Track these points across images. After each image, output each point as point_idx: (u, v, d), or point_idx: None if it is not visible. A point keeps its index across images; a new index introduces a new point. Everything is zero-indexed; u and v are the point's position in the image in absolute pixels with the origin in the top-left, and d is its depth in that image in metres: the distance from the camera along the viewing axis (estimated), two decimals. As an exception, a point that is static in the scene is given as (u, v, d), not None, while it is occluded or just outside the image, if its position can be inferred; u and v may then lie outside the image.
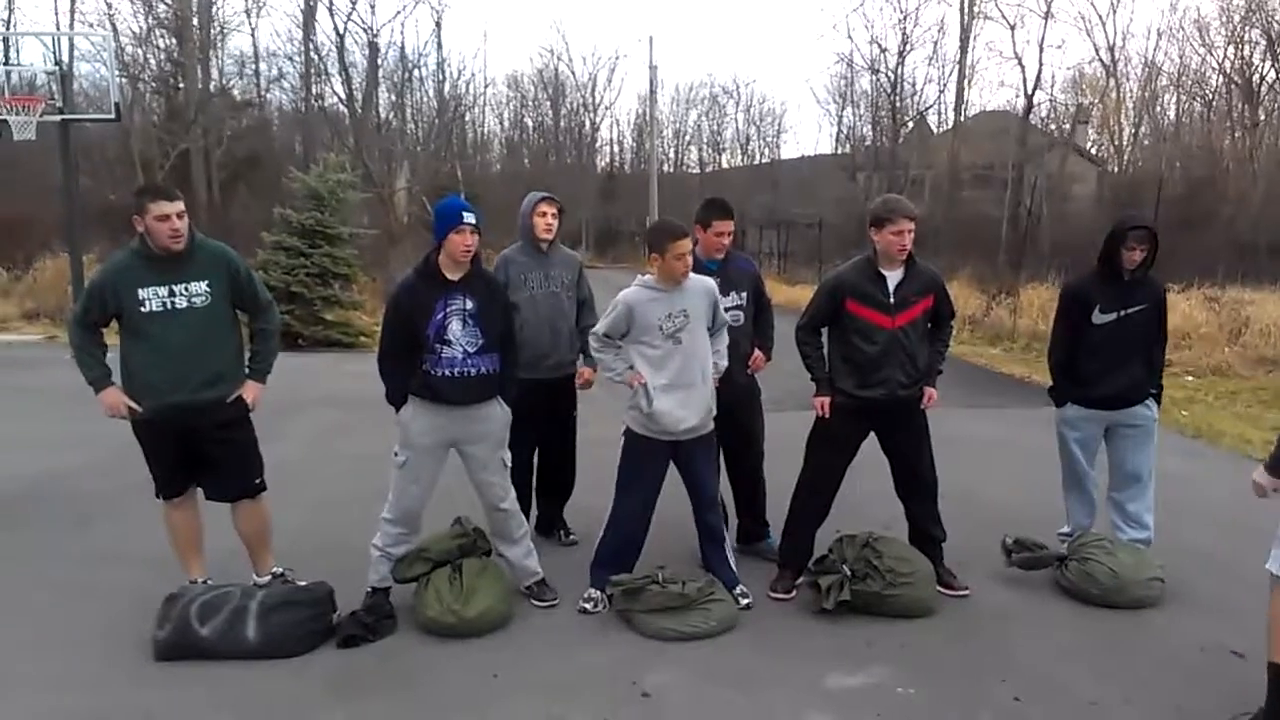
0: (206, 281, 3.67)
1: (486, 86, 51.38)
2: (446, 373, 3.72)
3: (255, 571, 4.07)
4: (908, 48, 30.45)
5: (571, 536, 4.83)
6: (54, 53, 15.78)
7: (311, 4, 26.66)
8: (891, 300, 4.02)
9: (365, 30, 27.12)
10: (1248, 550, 3.18)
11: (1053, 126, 30.82)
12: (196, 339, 3.66)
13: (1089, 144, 33.92)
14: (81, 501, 5.46)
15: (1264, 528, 3.13)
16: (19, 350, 12.14)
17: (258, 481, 3.96)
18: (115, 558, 4.56)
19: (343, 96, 27.13)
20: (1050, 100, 31.88)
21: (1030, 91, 27.75)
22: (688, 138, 50.24)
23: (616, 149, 52.25)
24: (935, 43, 42.70)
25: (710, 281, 4.00)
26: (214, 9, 27.28)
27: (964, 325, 14.29)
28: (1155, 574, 4.10)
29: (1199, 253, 17.04)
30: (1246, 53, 29.18)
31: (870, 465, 4.31)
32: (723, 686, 3.40)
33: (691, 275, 3.88)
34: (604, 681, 3.42)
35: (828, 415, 4.16)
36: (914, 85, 37.73)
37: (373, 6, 42.84)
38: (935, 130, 32.95)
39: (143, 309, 3.59)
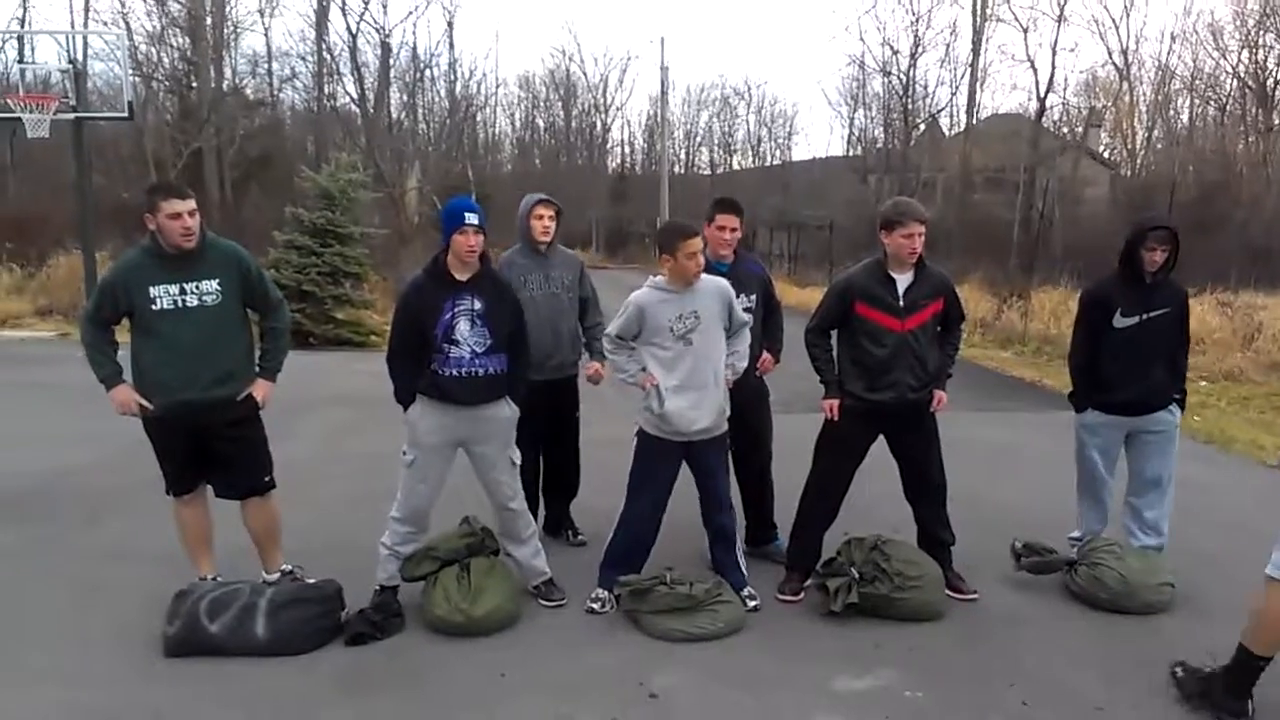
0: (217, 280, 3.68)
1: (498, 87, 51.65)
2: (454, 372, 3.73)
3: (264, 569, 4.09)
4: (920, 50, 30.50)
5: (580, 537, 4.83)
6: (68, 51, 15.86)
7: (324, 4, 26.83)
8: (901, 303, 4.01)
9: (377, 30, 27.28)
10: (1259, 556, 3.18)
11: (1065, 130, 30.78)
12: (207, 337, 3.67)
13: (1102, 147, 33.82)
14: (92, 498, 5.49)
15: (1277, 534, 3.11)
16: (32, 347, 12.22)
17: (267, 479, 3.97)
18: (125, 554, 4.58)
19: (355, 96, 27.33)
20: (1063, 103, 31.87)
21: (1043, 94, 27.75)
22: (699, 139, 50.32)
23: (628, 150, 52.36)
24: (947, 45, 42.38)
25: (723, 282, 3.99)
26: (227, 8, 27.47)
27: (975, 328, 14.25)
28: (1166, 579, 4.08)
29: (1212, 257, 16.98)
30: (1261, 57, 29.11)
31: (879, 468, 4.30)
32: (730, 688, 3.39)
33: (704, 277, 3.88)
34: (611, 682, 3.42)
35: (836, 418, 4.14)
36: (926, 88, 37.54)
37: (385, 6, 43.05)
38: (947, 133, 32.92)
39: (154, 307, 3.60)
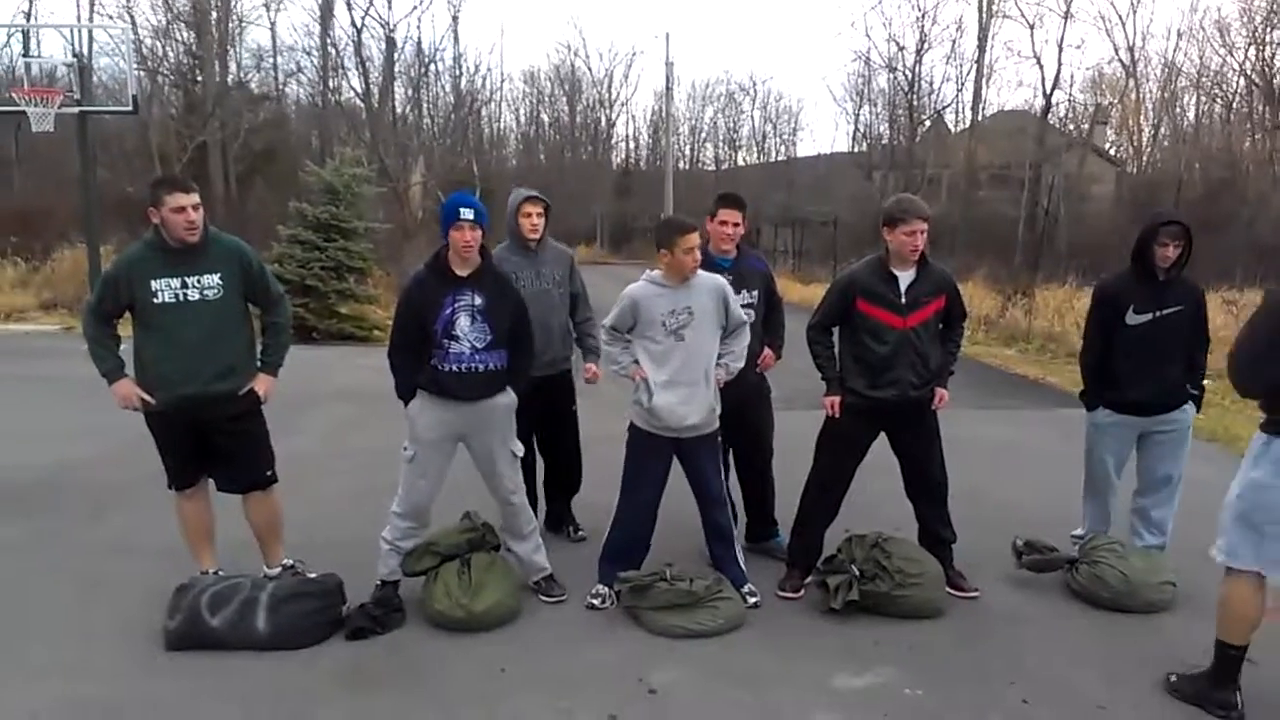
0: (219, 274, 3.69)
1: (503, 82, 51.73)
2: (454, 368, 3.73)
3: (266, 563, 4.10)
4: (925, 46, 30.47)
5: (580, 533, 4.84)
6: (73, 45, 15.96)
7: (329, -2, 26.79)
8: (903, 300, 4.00)
9: (382, 25, 27.34)
10: (1261, 556, 3.20)
11: (1071, 126, 30.69)
12: (208, 331, 3.68)
13: (1108, 144, 33.70)
14: (94, 492, 5.50)
15: (1220, 520, 3.18)
16: (36, 340, 12.26)
17: (268, 474, 3.98)
18: (127, 548, 4.59)
19: (359, 91, 27.34)
20: (1069, 100, 31.79)
21: (1049, 91, 27.68)
22: (704, 134, 50.31)
23: (632, 145, 52.40)
24: (953, 41, 42.00)
25: (721, 280, 3.98)
26: (232, 3, 27.47)
27: (979, 325, 14.22)
28: (1168, 578, 4.07)
29: (1217, 255, 16.92)
30: (1268, 54, 28.93)
31: (880, 465, 4.29)
32: (729, 685, 3.39)
33: (701, 273, 3.87)
34: (611, 678, 3.42)
35: (838, 415, 4.14)
36: (931, 84, 37.70)
37: (390, 1, 42.96)
38: (952, 129, 32.86)
39: (155, 300, 3.61)
